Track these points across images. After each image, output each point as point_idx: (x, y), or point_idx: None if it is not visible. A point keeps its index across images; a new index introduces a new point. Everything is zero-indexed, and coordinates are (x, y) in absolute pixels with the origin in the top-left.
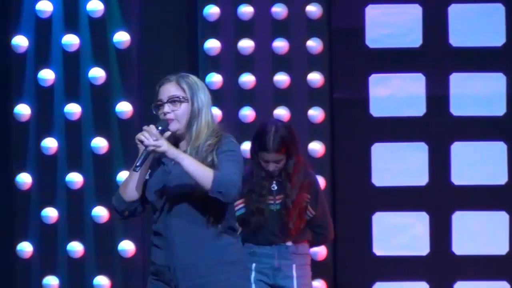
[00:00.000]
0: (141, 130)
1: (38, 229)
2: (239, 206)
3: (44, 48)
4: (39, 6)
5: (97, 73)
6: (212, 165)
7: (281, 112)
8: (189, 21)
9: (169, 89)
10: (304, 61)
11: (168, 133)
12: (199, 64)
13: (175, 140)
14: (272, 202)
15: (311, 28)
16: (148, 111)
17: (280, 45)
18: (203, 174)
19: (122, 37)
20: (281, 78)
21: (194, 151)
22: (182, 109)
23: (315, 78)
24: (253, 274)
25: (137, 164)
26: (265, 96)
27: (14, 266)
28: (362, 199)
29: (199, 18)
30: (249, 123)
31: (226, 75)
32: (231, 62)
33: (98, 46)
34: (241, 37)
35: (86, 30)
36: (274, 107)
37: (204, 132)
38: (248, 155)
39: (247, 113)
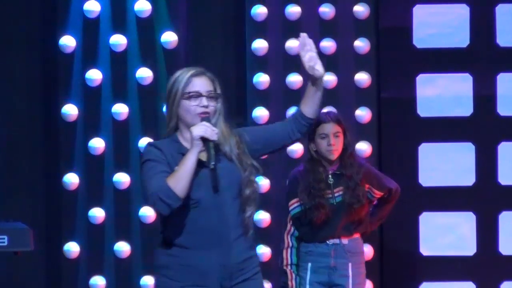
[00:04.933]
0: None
1: (85, 229)
2: (294, 205)
3: (91, 48)
4: (86, 6)
5: (144, 73)
6: (247, 167)
7: None
8: (237, 21)
9: (206, 83)
10: (351, 61)
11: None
12: (246, 64)
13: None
14: (330, 196)
15: (358, 28)
16: None
17: (328, 45)
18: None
19: (169, 37)
20: (329, 78)
21: (229, 150)
22: (215, 106)
23: (363, 78)
24: (308, 275)
25: (213, 161)
26: None
27: (61, 266)
28: (409, 199)
29: (247, 18)
30: None
31: (273, 75)
32: (278, 62)
33: (146, 46)
34: (289, 37)
35: (133, 30)
36: (322, 107)
37: (227, 131)
38: (296, 155)
39: None
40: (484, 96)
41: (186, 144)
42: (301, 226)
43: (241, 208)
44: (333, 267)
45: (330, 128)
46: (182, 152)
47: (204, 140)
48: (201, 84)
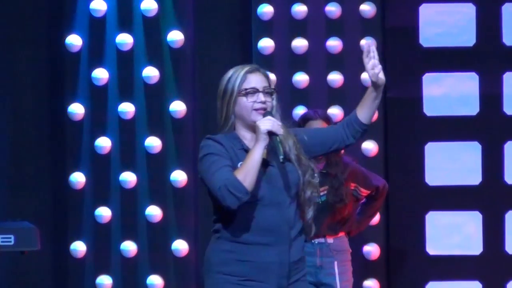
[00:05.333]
0: (194, 129)
1: (92, 228)
2: None
3: (98, 47)
4: (93, 5)
5: (150, 72)
6: (306, 168)
7: (335, 111)
8: (243, 20)
9: (261, 79)
10: (357, 60)
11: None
12: (253, 63)
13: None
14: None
15: (364, 27)
16: (202, 110)
17: (334, 44)
18: None
19: (176, 36)
20: (335, 77)
21: (288, 150)
22: (271, 102)
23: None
24: None
25: (282, 155)
26: (319, 95)
27: (68, 265)
28: (416, 198)
29: (253, 17)
30: None
31: (280, 74)
32: (284, 61)
33: (152, 45)
34: (295, 36)
35: (140, 29)
36: (328, 107)
37: (285, 130)
38: None
39: (301, 113)
40: (491, 95)
41: (246, 141)
42: None
43: (297, 209)
44: (319, 266)
45: (318, 125)
46: (245, 148)
47: (270, 134)
48: (257, 80)
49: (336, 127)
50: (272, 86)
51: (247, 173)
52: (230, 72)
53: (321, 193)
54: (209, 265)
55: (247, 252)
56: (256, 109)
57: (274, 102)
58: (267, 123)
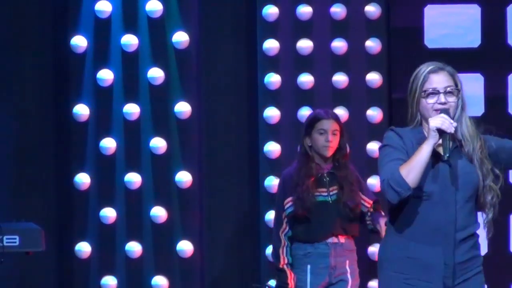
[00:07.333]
0: (199, 130)
1: (97, 229)
2: (290, 203)
3: (103, 48)
4: (98, 7)
5: (156, 73)
6: (488, 173)
7: (340, 112)
8: (248, 21)
9: (444, 79)
10: (362, 61)
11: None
12: (257, 64)
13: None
14: (325, 193)
15: (369, 28)
16: (207, 111)
17: (339, 45)
18: None
19: (181, 37)
20: (340, 78)
21: (472, 150)
22: (455, 102)
23: (374, 78)
24: (308, 277)
25: (448, 154)
26: (324, 96)
27: (73, 266)
28: None
29: (258, 18)
30: None
31: (284, 75)
32: (289, 62)
33: (157, 46)
34: (300, 37)
35: (145, 30)
36: (333, 107)
37: (473, 130)
38: None
39: (306, 113)
40: (496, 96)
41: None
42: (298, 225)
43: (473, 211)
44: (334, 267)
45: (329, 124)
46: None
47: (441, 132)
48: (438, 80)
49: None
50: (458, 86)
51: (411, 169)
52: (417, 70)
53: (331, 193)
54: (380, 261)
55: (412, 249)
56: (436, 110)
57: (460, 102)
58: (438, 121)
